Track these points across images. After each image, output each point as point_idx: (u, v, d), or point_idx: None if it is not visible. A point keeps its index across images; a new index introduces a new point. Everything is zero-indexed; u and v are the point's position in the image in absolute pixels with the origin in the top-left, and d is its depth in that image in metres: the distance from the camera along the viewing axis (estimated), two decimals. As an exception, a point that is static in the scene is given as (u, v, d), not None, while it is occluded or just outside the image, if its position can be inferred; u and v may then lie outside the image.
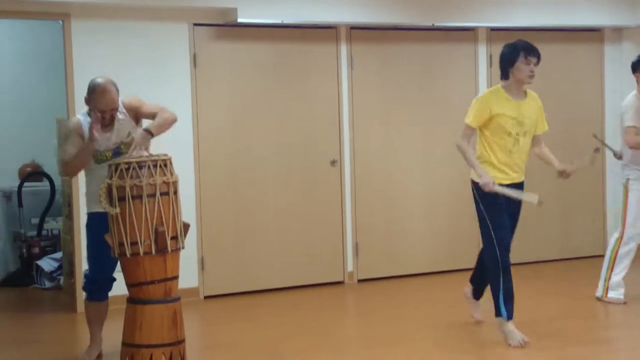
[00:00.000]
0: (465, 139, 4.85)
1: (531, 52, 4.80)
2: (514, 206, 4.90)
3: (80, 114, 4.65)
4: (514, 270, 4.82)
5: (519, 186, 4.88)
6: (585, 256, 7.46)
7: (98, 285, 4.67)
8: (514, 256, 7.04)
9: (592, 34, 7.51)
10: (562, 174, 4.99)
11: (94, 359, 4.70)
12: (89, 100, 4.51)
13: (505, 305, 4.77)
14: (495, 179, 4.76)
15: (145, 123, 4.65)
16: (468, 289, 5.32)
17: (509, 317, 4.80)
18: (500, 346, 4.76)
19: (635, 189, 5.65)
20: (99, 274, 4.63)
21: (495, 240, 4.77)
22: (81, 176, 5.77)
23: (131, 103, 4.59)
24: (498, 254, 4.76)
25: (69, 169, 4.68)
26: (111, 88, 4.47)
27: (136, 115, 4.59)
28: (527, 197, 4.79)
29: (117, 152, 4.52)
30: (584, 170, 7.25)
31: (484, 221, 4.82)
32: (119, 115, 4.56)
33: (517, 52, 4.81)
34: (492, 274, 4.82)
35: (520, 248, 6.98)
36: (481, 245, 5.03)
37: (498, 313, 4.83)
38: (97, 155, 4.50)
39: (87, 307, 4.77)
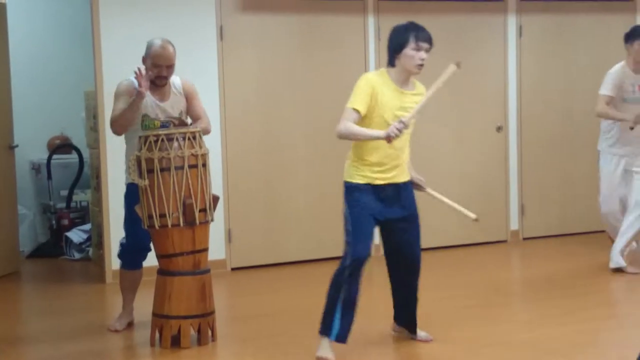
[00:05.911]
0: (343, 125, 4.02)
1: (423, 37, 4.08)
2: (406, 202, 4.18)
3: (134, 78, 4.60)
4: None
5: (400, 187, 4.16)
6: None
7: (134, 254, 4.72)
8: (543, 229, 6.93)
9: (624, 4, 7.37)
10: (417, 186, 4.29)
11: (124, 327, 4.76)
12: (145, 57, 4.53)
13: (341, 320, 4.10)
14: (369, 179, 4.08)
15: None
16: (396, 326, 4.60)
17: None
18: (524, 321, 4.73)
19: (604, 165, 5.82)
20: (135, 243, 4.67)
21: (350, 246, 4.04)
22: (109, 149, 5.84)
23: (189, 87, 4.66)
24: (348, 262, 4.03)
25: (115, 127, 4.58)
26: (169, 46, 4.51)
27: (186, 100, 4.64)
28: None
29: (165, 126, 4.51)
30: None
31: (346, 224, 4.09)
32: (176, 91, 4.59)
33: (406, 36, 4.09)
34: (333, 286, 4.12)
35: (547, 221, 6.98)
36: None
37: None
38: (146, 121, 4.49)
39: (121, 276, 4.83)
